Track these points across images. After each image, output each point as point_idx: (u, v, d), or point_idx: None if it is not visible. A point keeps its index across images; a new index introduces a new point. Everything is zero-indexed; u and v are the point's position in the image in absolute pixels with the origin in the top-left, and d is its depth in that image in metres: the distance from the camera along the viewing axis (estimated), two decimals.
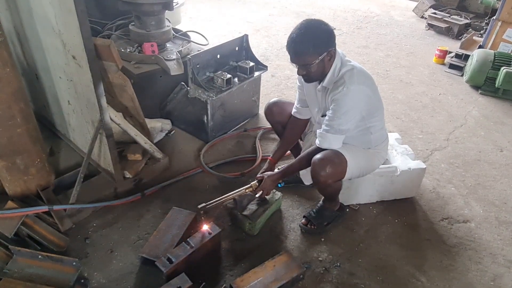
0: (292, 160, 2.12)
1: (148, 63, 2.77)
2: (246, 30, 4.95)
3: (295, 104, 2.18)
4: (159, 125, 2.68)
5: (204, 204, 1.92)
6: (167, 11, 2.89)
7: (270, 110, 2.26)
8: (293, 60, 1.79)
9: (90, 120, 2.14)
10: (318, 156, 1.85)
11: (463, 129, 3.22)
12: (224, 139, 2.85)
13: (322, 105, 1.97)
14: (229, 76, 2.63)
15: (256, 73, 2.89)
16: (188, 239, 1.85)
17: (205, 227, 1.91)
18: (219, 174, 2.48)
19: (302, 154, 2.01)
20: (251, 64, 2.82)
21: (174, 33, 3.14)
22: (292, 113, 2.19)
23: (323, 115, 1.96)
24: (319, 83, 1.91)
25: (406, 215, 2.31)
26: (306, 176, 2.14)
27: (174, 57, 2.84)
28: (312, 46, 1.71)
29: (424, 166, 2.31)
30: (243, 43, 2.96)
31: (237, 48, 2.94)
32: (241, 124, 3.06)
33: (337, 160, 1.85)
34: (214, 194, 2.20)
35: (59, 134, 2.67)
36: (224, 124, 2.89)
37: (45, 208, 1.96)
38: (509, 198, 2.49)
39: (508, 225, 2.28)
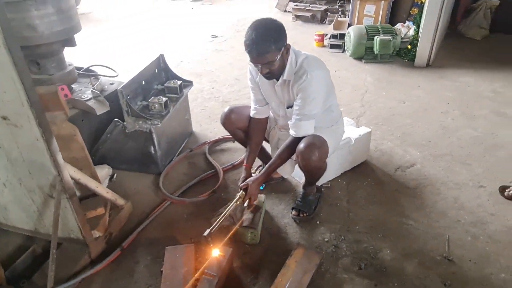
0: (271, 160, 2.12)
1: None
2: (142, 48, 4.76)
3: (252, 106, 2.20)
4: (106, 171, 2.39)
5: (208, 231, 1.81)
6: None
7: (228, 118, 2.23)
8: (256, 60, 1.80)
9: (35, 187, 1.80)
10: (302, 145, 1.92)
11: (369, 94, 3.70)
12: (174, 165, 2.70)
13: (285, 98, 2.04)
14: (165, 99, 2.50)
15: (185, 90, 2.81)
16: (206, 270, 1.73)
17: (216, 252, 1.81)
18: (191, 200, 2.35)
19: (280, 149, 2.05)
20: (179, 82, 2.73)
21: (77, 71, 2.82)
22: (251, 115, 2.20)
23: (289, 107, 2.04)
24: (278, 79, 1.98)
25: (369, 176, 2.56)
26: (284, 169, 2.19)
27: (90, 96, 2.56)
28: (273, 44, 1.76)
29: (370, 130, 2.59)
30: (160, 63, 2.84)
31: (156, 70, 2.81)
32: (182, 146, 2.94)
33: (319, 143, 1.94)
34: (196, 220, 2.13)
35: None
36: (169, 150, 2.73)
37: None
38: (430, 137, 2.98)
39: (442, 157, 2.73)
